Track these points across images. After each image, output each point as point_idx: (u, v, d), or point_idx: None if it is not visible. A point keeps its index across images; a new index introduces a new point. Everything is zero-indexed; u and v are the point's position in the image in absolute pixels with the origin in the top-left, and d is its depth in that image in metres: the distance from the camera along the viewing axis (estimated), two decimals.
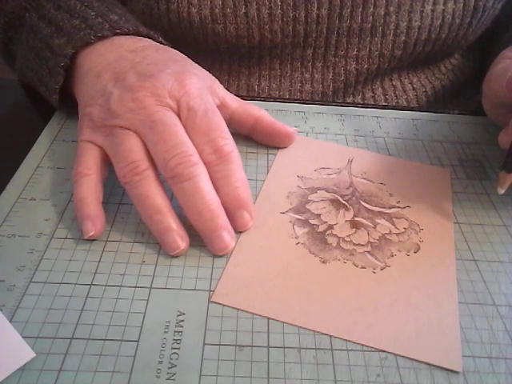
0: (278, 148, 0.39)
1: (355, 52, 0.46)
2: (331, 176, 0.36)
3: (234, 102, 0.36)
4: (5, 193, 0.33)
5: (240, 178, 0.31)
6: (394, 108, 0.46)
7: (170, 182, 0.30)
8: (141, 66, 0.33)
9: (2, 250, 0.29)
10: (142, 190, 0.29)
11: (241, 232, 0.31)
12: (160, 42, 0.38)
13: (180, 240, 0.29)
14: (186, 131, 0.31)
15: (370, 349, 0.25)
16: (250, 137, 0.38)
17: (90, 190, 0.30)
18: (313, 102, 0.46)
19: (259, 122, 0.37)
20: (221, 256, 0.30)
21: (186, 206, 0.29)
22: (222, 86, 0.36)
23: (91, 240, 0.30)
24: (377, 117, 0.44)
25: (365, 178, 0.36)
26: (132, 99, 0.31)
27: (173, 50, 0.37)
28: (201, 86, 0.33)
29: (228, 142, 0.31)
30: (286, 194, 0.34)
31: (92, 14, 0.37)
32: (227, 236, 0.29)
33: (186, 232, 0.30)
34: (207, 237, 0.29)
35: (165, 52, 0.36)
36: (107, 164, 0.32)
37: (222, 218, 0.29)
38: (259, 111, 0.37)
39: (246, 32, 0.44)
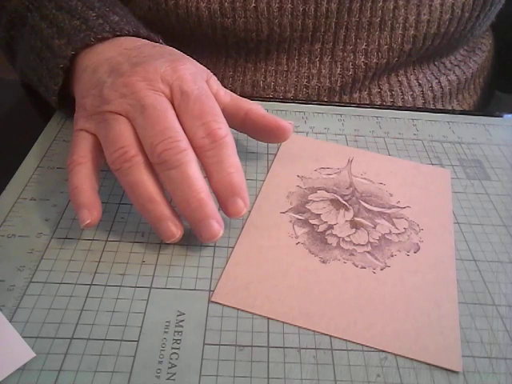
0: (278, 147, 0.39)
1: (364, 46, 0.46)
2: (331, 176, 0.36)
3: (227, 96, 0.35)
4: (5, 193, 0.33)
5: (234, 163, 0.30)
6: (393, 108, 0.46)
7: (158, 168, 0.29)
8: (136, 58, 0.33)
9: (1, 250, 0.29)
10: (133, 177, 0.29)
11: (241, 231, 0.31)
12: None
13: (175, 228, 0.29)
14: (179, 116, 0.30)
15: (369, 349, 0.25)
16: (244, 132, 0.37)
17: (84, 178, 0.30)
18: (312, 102, 0.46)
19: (249, 115, 0.35)
20: (209, 243, 0.29)
21: (173, 193, 0.29)
22: (217, 81, 0.36)
23: (91, 240, 0.30)
24: (377, 117, 0.44)
25: (365, 178, 0.36)
26: (124, 84, 0.31)
27: (171, 47, 0.37)
28: (194, 72, 0.32)
29: (222, 126, 0.30)
30: (286, 194, 0.34)
31: (93, 14, 0.37)
32: (215, 225, 0.28)
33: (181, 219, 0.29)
34: (195, 225, 0.29)
35: (162, 48, 0.35)
36: (102, 151, 0.31)
37: (210, 207, 0.28)
38: (250, 104, 0.36)
39: (255, 26, 0.44)
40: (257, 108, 0.35)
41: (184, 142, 0.29)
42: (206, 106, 0.30)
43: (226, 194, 0.29)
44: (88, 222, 0.29)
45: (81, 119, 0.32)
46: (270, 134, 0.36)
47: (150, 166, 0.29)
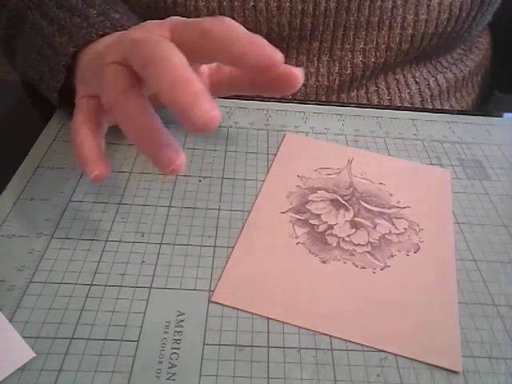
0: (278, 147, 0.39)
1: (362, 45, 0.46)
2: (331, 176, 0.36)
3: None
4: (5, 193, 0.33)
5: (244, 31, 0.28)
6: (393, 108, 0.46)
7: (144, 72, 0.26)
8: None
9: (1, 250, 0.29)
10: (128, 109, 0.27)
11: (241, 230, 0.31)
12: None
13: (174, 154, 0.26)
14: (177, 36, 0.29)
15: (369, 349, 0.25)
16: (252, 89, 0.34)
17: (89, 135, 0.29)
18: (313, 102, 0.46)
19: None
20: (207, 130, 0.24)
21: (157, 84, 0.25)
22: None
23: (91, 240, 0.30)
24: (377, 117, 0.44)
25: (365, 178, 0.36)
26: (120, 36, 0.30)
27: None
28: None
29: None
30: (286, 194, 0.34)
31: (93, 12, 0.37)
32: (208, 105, 0.24)
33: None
34: (184, 112, 0.24)
35: None
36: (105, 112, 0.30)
37: (198, 85, 0.24)
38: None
39: (254, 25, 0.44)
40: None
41: (169, 42, 0.27)
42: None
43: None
44: (96, 173, 0.28)
45: (80, 88, 0.32)
46: (279, 83, 0.31)
47: (147, 100, 0.28)
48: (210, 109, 0.24)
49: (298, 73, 0.32)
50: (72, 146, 0.29)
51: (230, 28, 0.27)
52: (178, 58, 0.26)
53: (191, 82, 0.25)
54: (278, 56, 0.26)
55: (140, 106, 0.27)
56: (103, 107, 0.30)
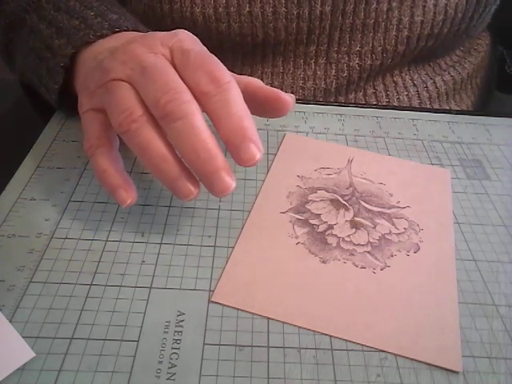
0: (278, 147, 0.39)
1: (358, 48, 0.46)
2: (331, 176, 0.36)
3: None
4: (5, 193, 0.33)
5: (242, 107, 0.28)
6: (393, 108, 0.46)
7: (163, 122, 0.28)
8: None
9: (1, 250, 0.29)
10: (142, 138, 0.28)
11: (241, 230, 0.31)
12: None
13: (192, 186, 0.28)
14: (181, 72, 0.29)
15: (369, 349, 0.25)
16: None
17: (109, 160, 0.29)
18: (313, 102, 0.46)
19: (248, 88, 0.33)
20: (222, 196, 0.28)
21: (180, 146, 0.27)
22: None
23: (91, 240, 0.30)
24: (377, 117, 0.44)
25: (365, 178, 0.36)
26: (123, 52, 0.30)
27: None
28: (195, 38, 0.32)
29: (226, 74, 0.28)
30: (286, 194, 0.34)
31: (91, 14, 0.37)
32: (227, 177, 0.27)
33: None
34: (206, 179, 0.27)
35: None
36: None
37: (220, 159, 0.27)
38: (250, 79, 0.34)
39: (250, 30, 0.44)
40: (256, 80, 0.34)
41: (187, 94, 0.28)
42: (208, 58, 0.29)
43: (237, 140, 0.27)
44: (129, 201, 0.29)
45: (85, 99, 0.32)
46: (271, 107, 0.34)
47: (159, 126, 0.28)
48: (229, 184, 0.27)
49: (289, 98, 0.34)
50: (73, 146, 0.30)
51: (224, 98, 0.28)
52: (199, 121, 0.27)
53: (214, 155, 0.27)
54: (253, 158, 0.27)
55: (155, 134, 0.28)
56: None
